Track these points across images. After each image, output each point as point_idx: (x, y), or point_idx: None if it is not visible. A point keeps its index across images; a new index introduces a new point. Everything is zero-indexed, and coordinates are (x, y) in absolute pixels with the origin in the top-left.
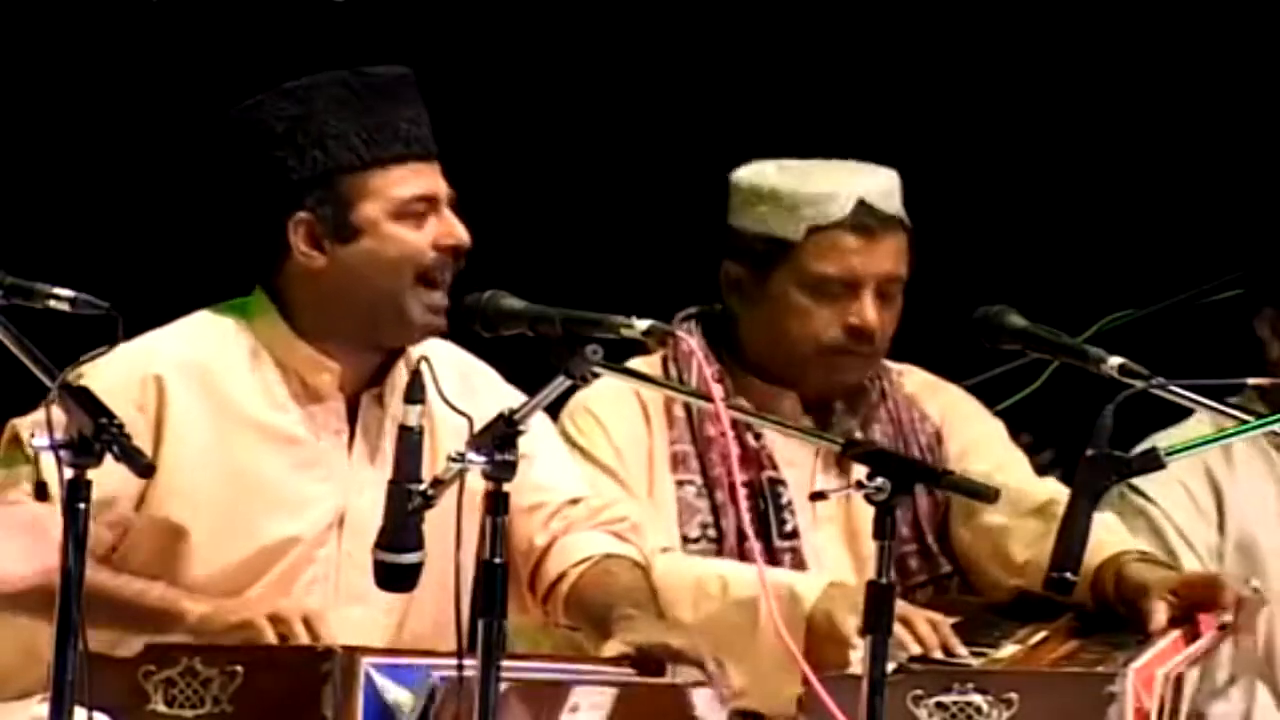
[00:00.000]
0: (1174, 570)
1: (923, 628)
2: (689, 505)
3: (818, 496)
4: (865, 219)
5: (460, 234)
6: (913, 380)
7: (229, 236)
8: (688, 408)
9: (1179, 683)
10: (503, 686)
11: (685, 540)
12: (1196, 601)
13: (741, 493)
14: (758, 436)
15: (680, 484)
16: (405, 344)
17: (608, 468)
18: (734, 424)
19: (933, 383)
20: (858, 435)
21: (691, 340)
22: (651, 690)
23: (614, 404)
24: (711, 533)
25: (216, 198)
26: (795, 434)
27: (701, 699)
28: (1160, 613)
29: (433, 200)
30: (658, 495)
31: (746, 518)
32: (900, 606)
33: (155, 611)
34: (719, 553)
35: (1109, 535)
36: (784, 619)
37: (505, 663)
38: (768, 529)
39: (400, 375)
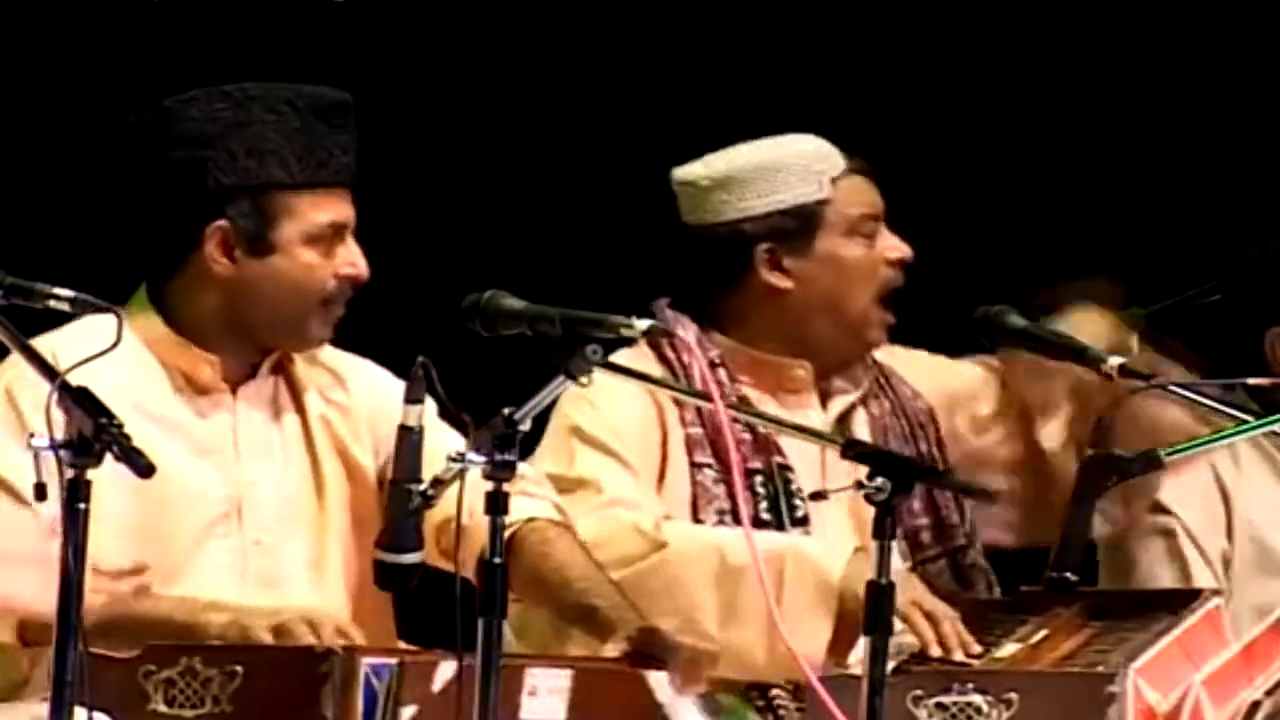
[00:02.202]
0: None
1: (946, 628)
2: (706, 490)
3: (818, 496)
4: (855, 163)
5: (361, 266)
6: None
7: (132, 227)
8: None
9: (1253, 710)
10: (451, 670)
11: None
12: None
13: (755, 479)
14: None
15: (698, 467)
16: (295, 352)
17: (606, 447)
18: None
19: (888, 349)
20: (862, 414)
21: (688, 334)
22: (609, 674)
23: (613, 386)
24: (729, 520)
25: (134, 188)
26: (795, 435)
27: (660, 682)
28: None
29: (342, 229)
30: (672, 478)
31: (745, 510)
32: (930, 602)
33: (184, 627)
34: None
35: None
36: (814, 588)
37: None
38: (779, 516)
39: (291, 367)
